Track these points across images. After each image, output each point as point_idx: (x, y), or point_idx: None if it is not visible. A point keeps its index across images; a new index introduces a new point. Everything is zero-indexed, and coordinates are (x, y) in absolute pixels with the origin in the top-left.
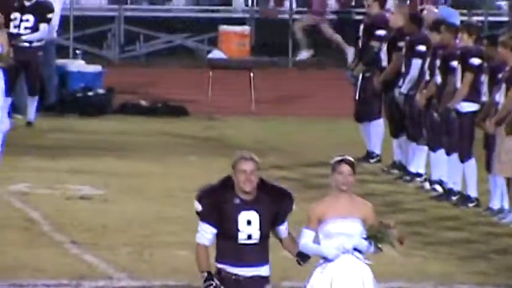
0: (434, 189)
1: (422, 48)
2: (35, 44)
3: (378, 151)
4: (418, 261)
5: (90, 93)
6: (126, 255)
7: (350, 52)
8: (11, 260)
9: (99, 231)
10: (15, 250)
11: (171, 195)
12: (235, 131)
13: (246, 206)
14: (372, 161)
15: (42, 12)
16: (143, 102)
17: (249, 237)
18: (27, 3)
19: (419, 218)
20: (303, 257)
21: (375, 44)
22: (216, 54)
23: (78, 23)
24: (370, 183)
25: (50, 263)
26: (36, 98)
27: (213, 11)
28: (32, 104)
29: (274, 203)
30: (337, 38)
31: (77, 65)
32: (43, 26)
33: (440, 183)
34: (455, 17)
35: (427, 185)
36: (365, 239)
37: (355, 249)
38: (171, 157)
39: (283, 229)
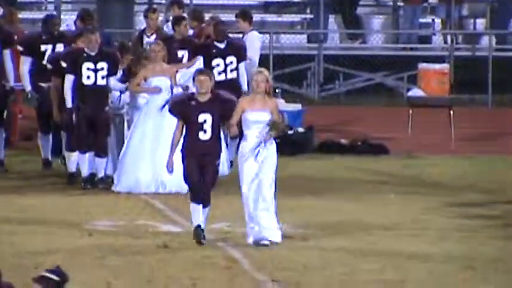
0: None
1: None
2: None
3: None
4: None
5: (290, 132)
6: None
7: None
8: None
9: (299, 270)
10: None
11: (370, 233)
12: (434, 169)
13: None
14: None
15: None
16: (343, 141)
17: None
18: (221, 46)
19: None
20: None
21: None
22: (416, 92)
23: (278, 62)
24: None
25: None
26: None
27: (412, 49)
28: None
29: None
30: None
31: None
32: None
33: None
34: None
35: None
36: None
37: None
38: (371, 195)
39: None
